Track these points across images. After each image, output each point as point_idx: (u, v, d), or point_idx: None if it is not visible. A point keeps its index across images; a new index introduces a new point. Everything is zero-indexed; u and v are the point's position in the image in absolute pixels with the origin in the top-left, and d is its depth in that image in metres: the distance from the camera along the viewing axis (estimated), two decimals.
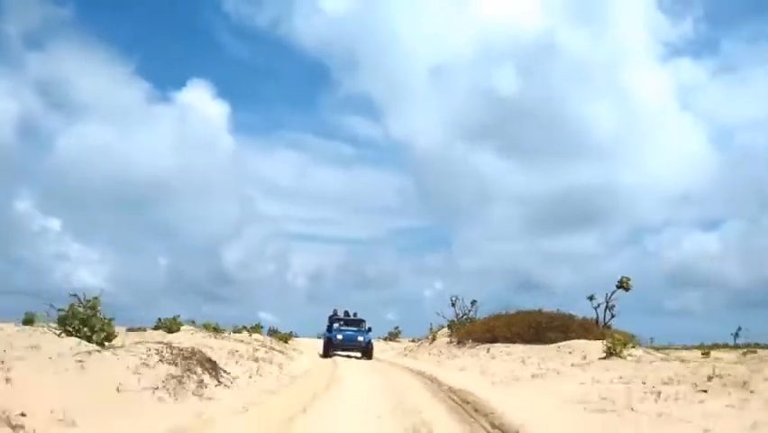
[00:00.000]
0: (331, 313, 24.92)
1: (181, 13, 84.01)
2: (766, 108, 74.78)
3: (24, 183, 78.33)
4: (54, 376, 6.29)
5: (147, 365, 7.66)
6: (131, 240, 73.80)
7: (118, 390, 6.67)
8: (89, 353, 7.60)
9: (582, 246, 69.20)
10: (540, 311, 20.45)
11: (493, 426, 7.06)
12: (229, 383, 9.21)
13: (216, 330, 22.86)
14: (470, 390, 10.58)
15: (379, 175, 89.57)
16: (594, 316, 19.28)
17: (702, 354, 18.16)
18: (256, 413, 7.42)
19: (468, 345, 21.19)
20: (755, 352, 16.47)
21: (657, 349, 18.48)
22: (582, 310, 20.36)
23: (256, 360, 13.75)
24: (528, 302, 63.86)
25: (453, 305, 27.67)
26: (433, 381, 12.92)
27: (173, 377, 7.66)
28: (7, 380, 5.62)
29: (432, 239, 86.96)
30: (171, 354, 8.46)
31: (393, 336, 40.17)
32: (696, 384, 8.30)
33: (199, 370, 8.43)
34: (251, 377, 10.91)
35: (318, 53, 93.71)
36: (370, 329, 24.05)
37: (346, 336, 22.68)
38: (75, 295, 9.73)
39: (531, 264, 73.13)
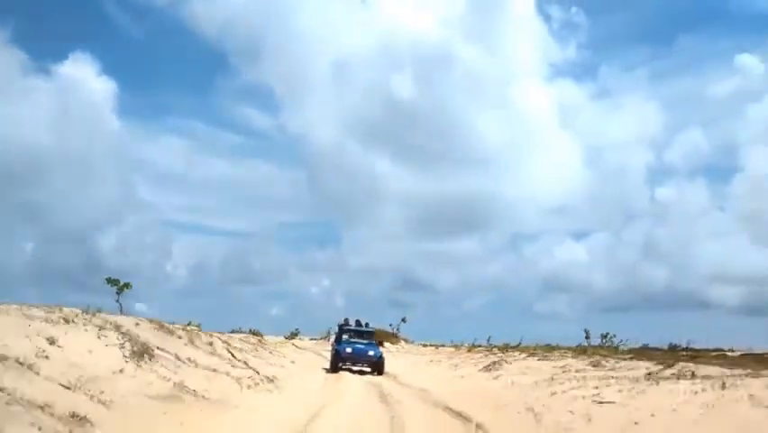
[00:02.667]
0: (341, 322, 24.09)
1: None
2: (632, 132, 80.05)
3: None
4: None
5: None
6: None
7: None
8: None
9: (465, 250, 74.33)
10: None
11: None
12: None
13: None
14: None
15: (270, 168, 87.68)
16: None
17: (435, 345, 42.63)
18: None
19: None
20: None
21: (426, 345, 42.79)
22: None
23: None
24: (413, 299, 77.63)
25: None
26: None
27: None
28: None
29: (321, 236, 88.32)
30: None
31: (293, 336, 40.99)
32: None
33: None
34: None
35: (217, 39, 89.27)
36: (381, 343, 23.45)
37: (356, 350, 21.82)
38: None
39: (417, 265, 79.21)
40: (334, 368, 21.62)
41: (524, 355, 22.76)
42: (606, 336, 24.36)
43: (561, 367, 17.28)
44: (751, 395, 8.47)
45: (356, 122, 72.73)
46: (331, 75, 75.73)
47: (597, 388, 11.57)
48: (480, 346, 33.34)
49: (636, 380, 11.91)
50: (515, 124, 72.97)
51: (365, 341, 22.77)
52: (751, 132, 66.64)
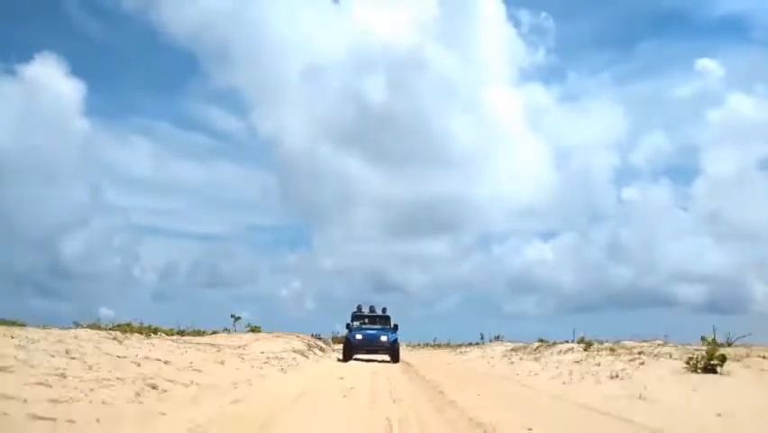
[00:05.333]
0: (354, 310, 22.73)
1: None
2: (598, 136, 79.76)
3: None
4: None
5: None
6: None
7: None
8: None
9: (436, 251, 73.36)
10: None
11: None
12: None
13: None
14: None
15: (241, 171, 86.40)
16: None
17: None
18: None
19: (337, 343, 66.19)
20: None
21: None
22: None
23: None
24: (385, 301, 72.70)
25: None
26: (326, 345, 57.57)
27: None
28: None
29: (292, 238, 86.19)
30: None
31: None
32: None
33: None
34: None
35: (188, 43, 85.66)
36: (396, 327, 21.89)
37: (367, 336, 21.02)
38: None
39: (389, 266, 76.20)
40: (346, 358, 21.00)
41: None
42: (498, 337, 33.02)
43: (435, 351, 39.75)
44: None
45: (329, 124, 71.61)
46: (304, 77, 74.33)
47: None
48: (427, 345, 55.61)
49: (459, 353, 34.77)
50: (485, 127, 73.02)
51: (378, 326, 22.08)
52: (711, 134, 69.07)
